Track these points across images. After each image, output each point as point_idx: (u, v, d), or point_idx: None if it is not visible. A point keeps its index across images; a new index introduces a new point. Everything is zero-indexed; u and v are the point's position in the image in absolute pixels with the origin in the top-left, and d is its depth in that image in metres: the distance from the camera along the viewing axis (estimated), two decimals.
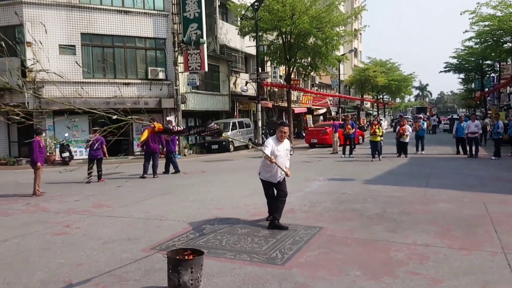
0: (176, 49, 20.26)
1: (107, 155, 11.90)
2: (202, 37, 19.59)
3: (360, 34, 56.27)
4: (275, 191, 6.22)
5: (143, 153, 12.72)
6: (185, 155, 20.50)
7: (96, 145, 11.51)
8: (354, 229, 5.91)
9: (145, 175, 12.23)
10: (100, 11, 19.57)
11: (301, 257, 4.75)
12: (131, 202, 8.43)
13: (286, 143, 6.18)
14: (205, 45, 20.01)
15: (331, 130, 20.84)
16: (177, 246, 5.10)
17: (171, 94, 20.62)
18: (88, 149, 11.92)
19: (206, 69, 20.49)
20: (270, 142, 6.02)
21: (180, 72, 20.71)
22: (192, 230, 5.98)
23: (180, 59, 20.61)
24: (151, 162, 12.42)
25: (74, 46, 19.15)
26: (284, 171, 6.01)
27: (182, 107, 20.87)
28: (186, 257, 3.71)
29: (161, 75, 20.31)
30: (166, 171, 13.18)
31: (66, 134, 18.29)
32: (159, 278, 4.20)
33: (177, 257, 3.67)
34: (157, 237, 5.72)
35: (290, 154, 6.53)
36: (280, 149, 6.01)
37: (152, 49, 21.04)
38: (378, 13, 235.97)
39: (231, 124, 22.73)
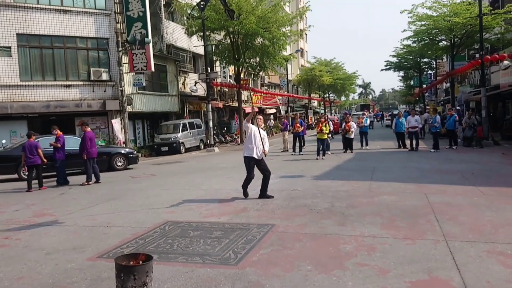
0: (120, 49, 19.63)
1: (44, 160, 11.28)
2: (147, 36, 19.13)
3: (306, 34, 57.55)
4: (260, 172, 8.07)
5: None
6: None
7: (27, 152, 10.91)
8: (305, 224, 6.02)
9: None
10: (37, 10, 18.55)
11: (254, 255, 4.76)
12: (76, 209, 8.05)
13: (262, 131, 8.07)
14: (150, 45, 19.54)
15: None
16: (125, 253, 4.92)
17: (116, 96, 19.96)
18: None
19: (153, 69, 20.03)
20: (247, 123, 8.07)
21: (125, 73, 20.09)
22: (141, 236, 5.80)
23: (125, 59, 19.99)
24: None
25: (9, 47, 18.05)
26: (263, 145, 7.93)
27: (128, 108, 20.26)
28: (132, 262, 3.59)
29: (104, 76, 19.61)
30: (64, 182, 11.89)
31: (4, 141, 17.13)
32: (107, 287, 4.04)
33: (121, 263, 3.54)
34: (104, 244, 5.50)
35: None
36: (257, 132, 7.98)
37: (94, 50, 20.24)
38: (322, 13, 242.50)
39: (181, 125, 22.41)
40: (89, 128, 12.27)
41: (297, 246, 5.06)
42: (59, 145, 11.74)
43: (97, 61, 20.22)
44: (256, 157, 7.93)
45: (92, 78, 19.49)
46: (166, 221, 6.56)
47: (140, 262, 3.77)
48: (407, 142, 17.48)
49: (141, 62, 19.43)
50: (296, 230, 5.76)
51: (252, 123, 8.27)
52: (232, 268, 4.40)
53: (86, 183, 11.60)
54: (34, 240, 5.94)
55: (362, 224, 5.87)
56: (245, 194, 8.18)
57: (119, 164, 15.39)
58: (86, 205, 8.45)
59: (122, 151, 15.87)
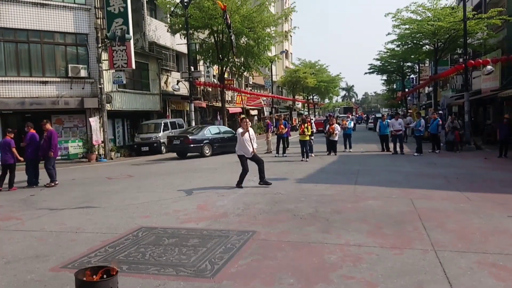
0: (100, 45, 19.03)
1: (19, 158, 10.69)
2: (128, 32, 18.56)
3: (291, 36, 57.49)
4: (254, 163, 9.62)
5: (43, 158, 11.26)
6: (111, 158, 19.32)
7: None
8: (287, 231, 5.70)
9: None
10: (13, 3, 17.81)
11: (233, 266, 4.42)
12: (45, 213, 7.56)
13: (250, 131, 9.51)
14: (131, 41, 19.02)
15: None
16: (92, 262, 4.52)
17: (95, 93, 19.33)
18: None
19: (134, 67, 19.50)
20: (239, 129, 9.56)
21: (105, 70, 19.51)
22: (112, 243, 5.39)
23: (105, 56, 19.40)
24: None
25: None
26: (252, 147, 9.41)
27: (108, 107, 19.67)
28: (95, 277, 3.22)
29: (83, 73, 18.96)
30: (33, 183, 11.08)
31: None
32: None
33: (82, 279, 3.17)
34: (71, 253, 5.07)
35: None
36: (246, 135, 9.42)
37: (72, 45, 19.57)
38: (307, 15, 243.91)
39: (162, 124, 21.89)
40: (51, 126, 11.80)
41: (279, 256, 4.74)
42: (24, 144, 11.06)
43: (75, 57, 19.56)
44: (247, 156, 9.51)
45: (70, 75, 18.83)
46: (140, 227, 6.16)
47: (105, 276, 3.40)
48: (391, 145, 17.39)
49: (122, 59, 18.89)
50: (278, 237, 5.44)
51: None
52: (207, 281, 4.05)
53: (52, 184, 10.98)
54: None
55: (347, 232, 5.59)
56: (239, 186, 9.40)
57: None
58: (56, 208, 7.96)
59: None
